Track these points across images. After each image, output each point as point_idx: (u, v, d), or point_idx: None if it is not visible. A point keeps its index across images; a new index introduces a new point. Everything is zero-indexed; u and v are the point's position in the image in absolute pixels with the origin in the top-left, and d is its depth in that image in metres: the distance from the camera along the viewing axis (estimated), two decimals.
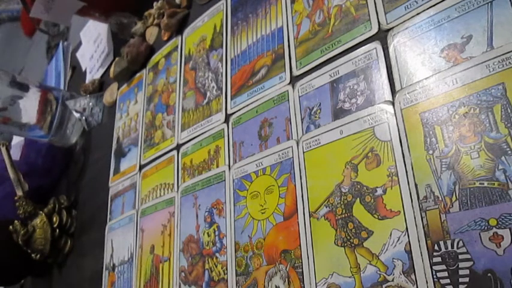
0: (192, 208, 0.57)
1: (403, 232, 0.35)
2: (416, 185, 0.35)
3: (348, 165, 0.40)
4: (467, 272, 0.31)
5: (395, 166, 0.37)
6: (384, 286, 0.35)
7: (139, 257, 0.64)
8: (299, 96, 0.48)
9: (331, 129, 0.43)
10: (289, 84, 0.50)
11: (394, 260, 0.35)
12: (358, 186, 0.39)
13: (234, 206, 0.51)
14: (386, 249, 0.36)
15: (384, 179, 0.37)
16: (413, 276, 0.34)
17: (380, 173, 0.38)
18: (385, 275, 0.35)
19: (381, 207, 0.37)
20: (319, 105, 0.45)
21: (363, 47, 0.43)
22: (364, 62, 0.42)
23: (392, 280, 0.35)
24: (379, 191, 0.37)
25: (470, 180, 0.32)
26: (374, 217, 0.37)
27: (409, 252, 0.34)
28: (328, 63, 0.46)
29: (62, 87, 1.16)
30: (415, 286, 0.33)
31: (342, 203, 0.40)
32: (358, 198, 0.39)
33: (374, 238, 0.37)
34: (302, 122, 0.47)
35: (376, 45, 0.42)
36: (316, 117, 0.45)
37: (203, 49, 0.66)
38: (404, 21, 0.40)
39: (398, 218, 0.36)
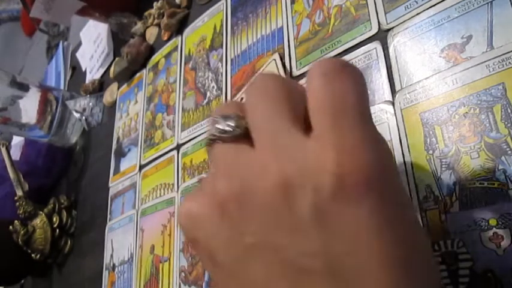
0: None
1: None
2: (416, 185, 0.35)
3: None
4: (467, 272, 0.31)
5: None
6: None
7: (139, 257, 0.64)
8: None
9: None
10: None
11: None
12: None
13: None
14: None
15: None
16: None
17: None
18: None
19: None
20: None
21: (363, 47, 0.43)
22: (364, 62, 0.42)
23: None
24: None
25: (470, 180, 0.32)
26: None
27: None
28: None
29: (62, 87, 1.15)
30: None
31: None
32: None
33: None
34: None
35: (376, 45, 0.42)
36: None
37: (203, 49, 0.66)
38: (404, 21, 0.40)
39: None
